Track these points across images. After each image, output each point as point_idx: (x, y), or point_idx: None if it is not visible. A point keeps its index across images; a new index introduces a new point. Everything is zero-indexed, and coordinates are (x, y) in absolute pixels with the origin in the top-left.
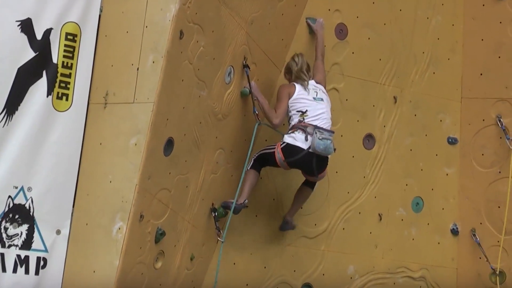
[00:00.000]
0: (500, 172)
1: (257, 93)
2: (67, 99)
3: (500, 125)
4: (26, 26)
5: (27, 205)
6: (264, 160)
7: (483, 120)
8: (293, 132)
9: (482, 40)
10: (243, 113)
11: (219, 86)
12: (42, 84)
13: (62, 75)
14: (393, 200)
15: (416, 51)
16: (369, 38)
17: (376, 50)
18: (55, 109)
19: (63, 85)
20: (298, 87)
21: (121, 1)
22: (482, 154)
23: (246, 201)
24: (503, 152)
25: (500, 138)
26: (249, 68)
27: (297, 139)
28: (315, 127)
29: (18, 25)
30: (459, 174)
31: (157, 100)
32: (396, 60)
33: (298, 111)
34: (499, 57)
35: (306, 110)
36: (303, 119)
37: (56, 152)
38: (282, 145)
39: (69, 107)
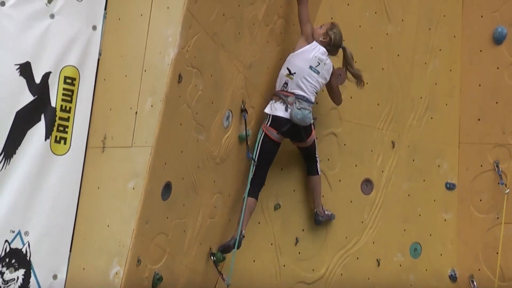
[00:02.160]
0: (498, 217)
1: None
2: (65, 143)
3: (497, 171)
4: (25, 69)
5: (24, 250)
6: (263, 161)
7: (481, 165)
8: (275, 101)
9: (480, 85)
10: (240, 157)
11: (217, 130)
12: (40, 127)
13: (60, 118)
14: (391, 246)
15: (414, 96)
16: (367, 83)
17: (374, 94)
18: (53, 153)
19: (61, 128)
20: (310, 46)
21: (120, 45)
22: (480, 200)
23: (243, 231)
24: (500, 198)
25: (498, 183)
26: (247, 113)
27: (277, 109)
28: (296, 97)
29: (17, 69)
30: (457, 220)
31: (155, 143)
32: (393, 104)
33: (287, 68)
34: (497, 102)
35: (295, 73)
36: (286, 87)
37: (53, 195)
38: (268, 123)
39: (67, 151)
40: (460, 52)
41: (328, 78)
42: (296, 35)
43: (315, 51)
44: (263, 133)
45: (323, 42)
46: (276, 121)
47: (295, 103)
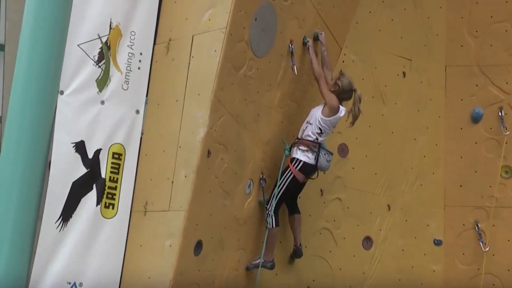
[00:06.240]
0: (479, 269)
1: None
2: (113, 208)
3: (476, 230)
4: (80, 147)
5: None
6: (287, 197)
7: (463, 224)
8: (307, 151)
9: (461, 157)
10: (260, 220)
11: (240, 196)
12: (92, 195)
13: (109, 187)
14: None
15: (406, 167)
16: (366, 156)
17: (372, 165)
18: (103, 217)
19: (110, 196)
20: (339, 113)
21: (159, 126)
22: (463, 254)
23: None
24: (481, 252)
25: (478, 240)
26: (265, 181)
27: (309, 157)
28: (320, 146)
29: (73, 146)
30: (444, 271)
31: (188, 208)
32: (389, 174)
33: (320, 128)
34: (476, 171)
35: (324, 132)
36: (316, 139)
37: (103, 252)
38: (299, 166)
39: (115, 215)
40: (444, 130)
41: None
42: (306, 115)
43: (341, 114)
44: (292, 175)
45: (335, 92)
46: (306, 168)
47: (324, 154)
